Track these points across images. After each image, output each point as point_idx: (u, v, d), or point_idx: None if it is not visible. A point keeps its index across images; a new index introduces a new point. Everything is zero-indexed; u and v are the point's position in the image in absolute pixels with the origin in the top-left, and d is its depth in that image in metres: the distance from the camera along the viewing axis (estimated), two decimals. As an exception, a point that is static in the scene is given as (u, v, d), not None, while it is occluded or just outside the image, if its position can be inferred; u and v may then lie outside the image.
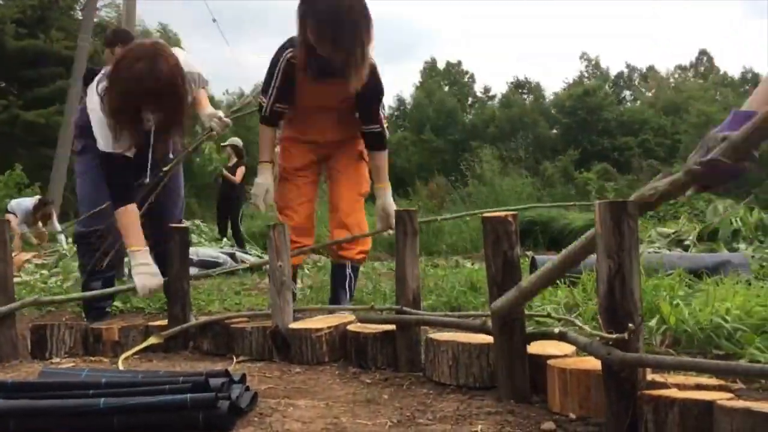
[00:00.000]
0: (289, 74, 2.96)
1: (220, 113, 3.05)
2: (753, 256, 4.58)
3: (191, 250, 4.03)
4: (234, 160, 9.33)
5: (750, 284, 3.09)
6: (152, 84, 2.56)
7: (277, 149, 3.30)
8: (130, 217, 2.74)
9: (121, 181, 2.77)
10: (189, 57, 2.97)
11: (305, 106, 3.08)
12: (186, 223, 3.30)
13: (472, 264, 6.08)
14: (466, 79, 41.85)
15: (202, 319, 2.67)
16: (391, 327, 2.20)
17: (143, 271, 2.69)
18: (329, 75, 2.86)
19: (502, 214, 1.77)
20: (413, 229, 2.19)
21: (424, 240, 8.62)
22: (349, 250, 3.19)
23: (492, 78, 72.72)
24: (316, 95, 3.01)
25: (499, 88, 45.32)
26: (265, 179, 3.12)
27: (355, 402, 1.80)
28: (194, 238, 8.60)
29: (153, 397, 1.57)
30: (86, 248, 3.23)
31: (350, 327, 2.32)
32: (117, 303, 3.72)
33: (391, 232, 2.93)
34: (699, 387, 1.42)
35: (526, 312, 1.81)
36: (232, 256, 6.28)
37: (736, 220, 6.05)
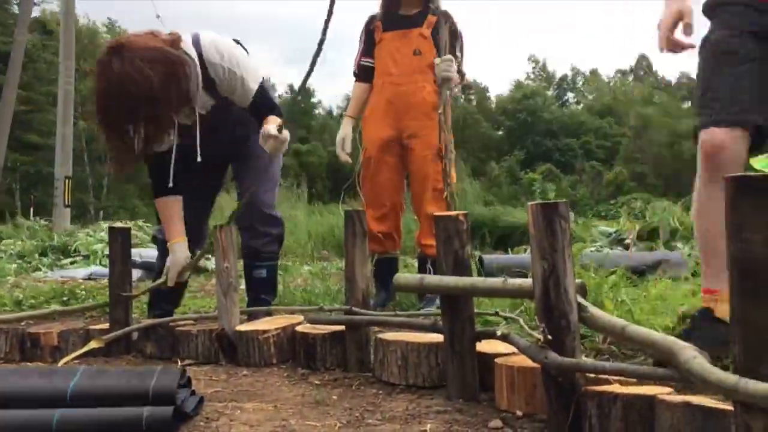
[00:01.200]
0: (371, 30, 3.43)
1: (272, 129, 2.54)
2: (689, 255, 4.75)
3: (134, 251, 3.93)
4: None
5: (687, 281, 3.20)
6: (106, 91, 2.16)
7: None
8: (167, 209, 2.64)
9: (157, 172, 2.61)
10: (224, 46, 2.53)
11: (379, 73, 3.37)
12: (128, 224, 3.20)
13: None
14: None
15: (146, 322, 2.60)
16: (341, 327, 2.19)
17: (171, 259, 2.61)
18: (399, 26, 3.32)
19: (454, 213, 1.79)
20: (362, 229, 2.19)
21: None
22: (429, 247, 3.20)
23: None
24: (391, 45, 3.34)
25: (447, 90, 45.80)
26: (344, 130, 3.39)
27: (304, 404, 1.78)
28: (138, 238, 8.39)
29: (94, 403, 1.52)
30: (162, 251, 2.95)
31: (299, 328, 2.30)
32: (56, 306, 3.60)
33: None
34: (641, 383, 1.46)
35: (475, 310, 1.83)
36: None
37: (673, 220, 6.28)
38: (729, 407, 1.15)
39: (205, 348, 2.38)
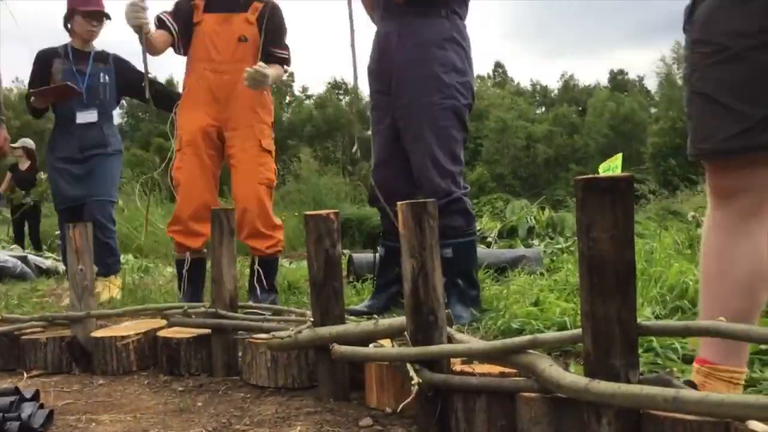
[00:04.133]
0: (189, 6, 3.15)
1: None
2: (545, 251, 5.05)
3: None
4: (26, 163, 8.61)
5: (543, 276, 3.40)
6: None
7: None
8: None
9: None
10: None
11: (198, 58, 3.13)
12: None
13: (290, 263, 6.05)
14: (285, 78, 41.85)
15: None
16: (206, 331, 2.11)
17: None
18: (222, 8, 3.09)
19: (325, 212, 1.78)
20: (230, 228, 2.12)
21: (241, 239, 8.42)
22: (257, 245, 3.10)
23: (311, 78, 73.19)
24: (212, 29, 3.10)
25: (318, 89, 45.77)
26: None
27: (167, 412, 1.70)
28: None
29: None
30: None
31: (161, 333, 2.19)
32: None
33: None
34: (503, 375, 1.52)
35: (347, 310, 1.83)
36: (23, 259, 5.67)
37: (530, 219, 6.67)
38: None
39: (55, 357, 2.20)
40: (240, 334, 2.04)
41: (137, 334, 2.17)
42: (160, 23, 3.18)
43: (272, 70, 3.06)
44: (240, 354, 2.05)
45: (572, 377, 1.16)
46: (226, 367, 2.06)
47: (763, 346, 1.91)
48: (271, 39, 3.14)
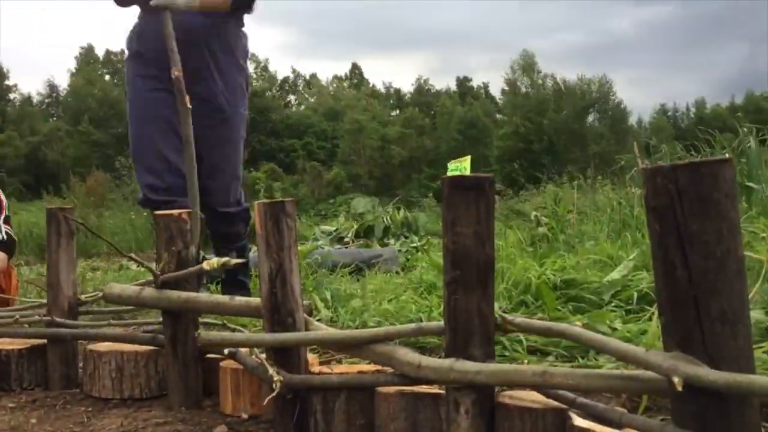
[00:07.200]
0: None
1: None
2: (400, 250, 5.18)
3: None
4: None
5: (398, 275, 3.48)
6: None
7: None
8: None
9: None
10: None
11: None
12: None
13: (138, 266, 5.73)
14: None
15: None
16: (41, 341, 1.93)
17: None
18: None
19: (176, 211, 1.69)
20: (68, 229, 1.96)
21: (82, 241, 7.86)
22: None
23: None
24: None
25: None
26: None
27: (-5, 432, 1.54)
28: None
29: None
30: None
31: (-13, 345, 1.97)
32: None
33: None
34: (361, 373, 1.53)
35: (201, 319, 1.76)
36: None
37: (386, 218, 6.82)
38: (439, 391, 1.26)
39: None
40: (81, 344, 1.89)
41: (-42, 348, 1.95)
42: None
43: None
44: (81, 364, 1.90)
45: (436, 360, 1.20)
46: (65, 380, 1.90)
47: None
48: None
